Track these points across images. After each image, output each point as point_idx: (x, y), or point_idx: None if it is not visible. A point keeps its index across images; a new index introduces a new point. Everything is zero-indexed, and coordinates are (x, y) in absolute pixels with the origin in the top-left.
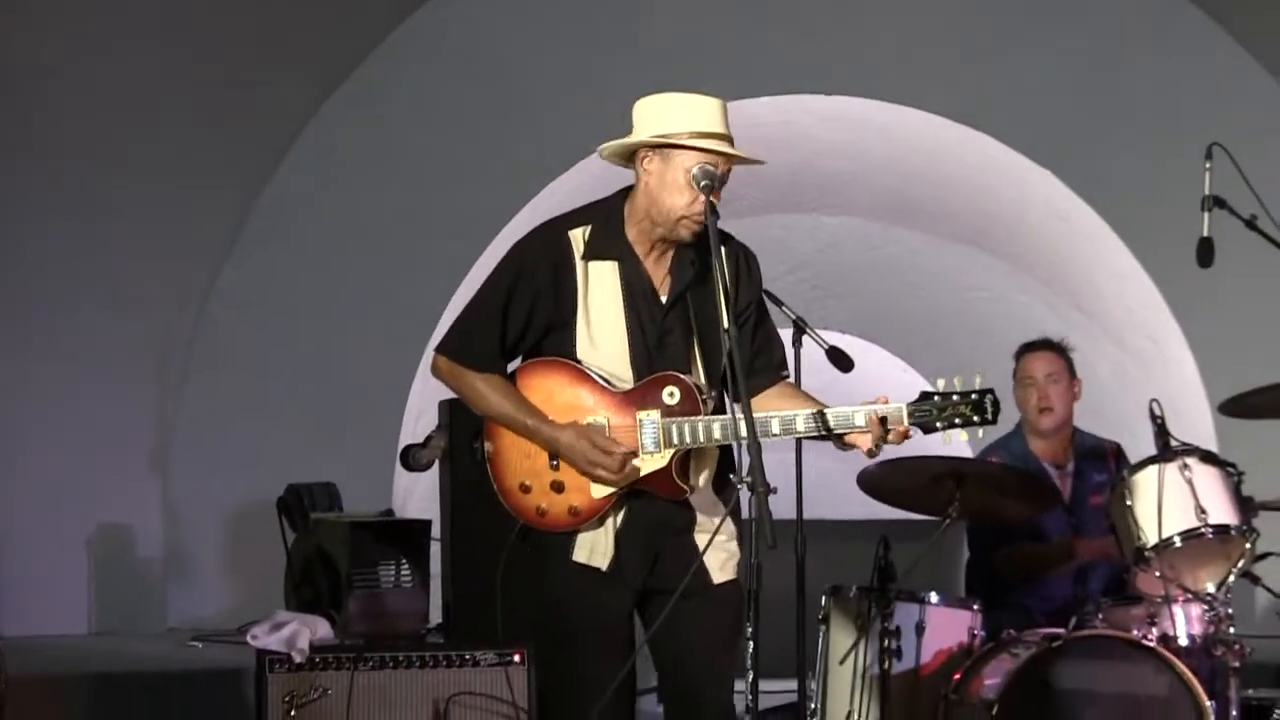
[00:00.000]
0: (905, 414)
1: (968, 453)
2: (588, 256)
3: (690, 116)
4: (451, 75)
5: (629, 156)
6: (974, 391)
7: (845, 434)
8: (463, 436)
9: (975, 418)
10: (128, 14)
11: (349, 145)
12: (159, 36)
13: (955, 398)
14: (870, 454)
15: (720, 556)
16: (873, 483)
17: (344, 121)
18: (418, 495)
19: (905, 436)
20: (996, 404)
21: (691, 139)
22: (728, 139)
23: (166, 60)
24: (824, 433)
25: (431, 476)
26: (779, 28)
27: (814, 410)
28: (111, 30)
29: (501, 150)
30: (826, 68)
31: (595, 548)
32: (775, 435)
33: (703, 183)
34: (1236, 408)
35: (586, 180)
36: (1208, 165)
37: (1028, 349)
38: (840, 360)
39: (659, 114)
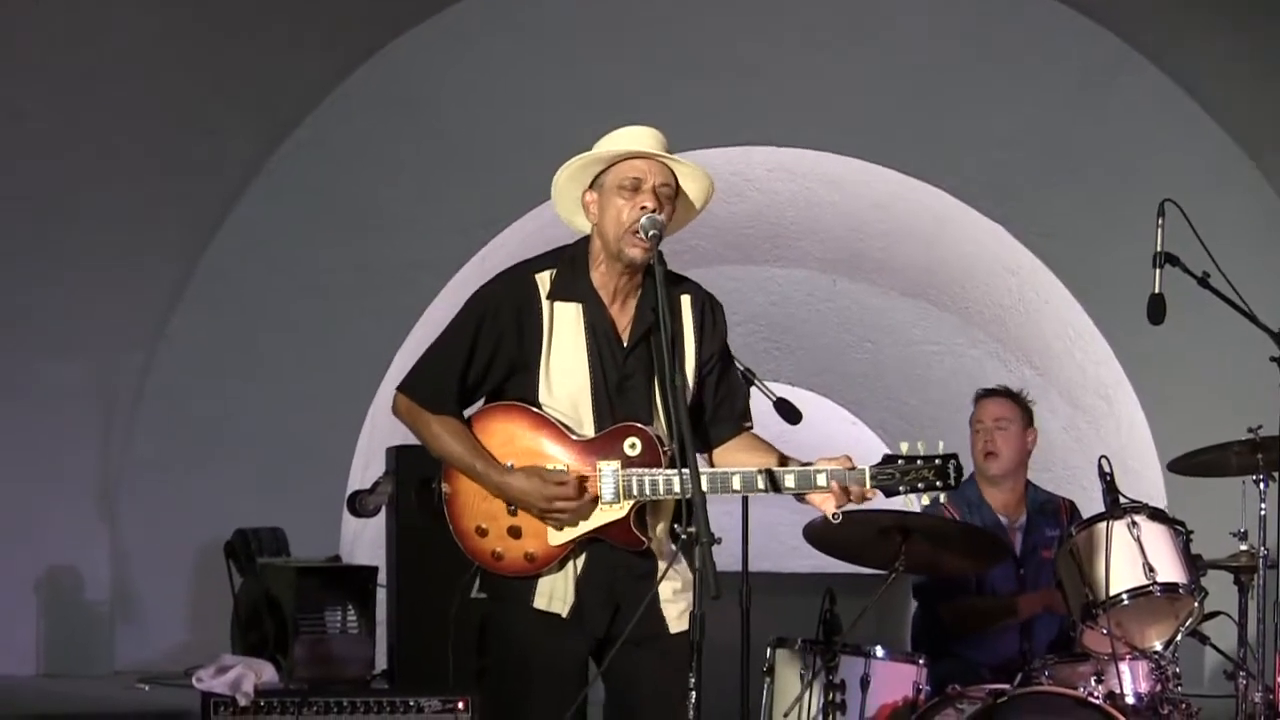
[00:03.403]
0: (868, 477)
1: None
2: (553, 297)
3: (616, 143)
4: (400, 125)
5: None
6: (938, 456)
7: (805, 494)
8: (410, 483)
9: (938, 482)
10: (74, 57)
11: (298, 193)
12: (109, 81)
13: (919, 462)
14: (834, 517)
15: (679, 606)
16: (819, 535)
17: (293, 170)
18: (365, 541)
19: (866, 497)
20: (959, 469)
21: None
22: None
23: (117, 105)
24: (784, 491)
25: (379, 523)
26: (730, 80)
27: (776, 468)
28: (59, 75)
29: (450, 200)
30: (777, 120)
31: (555, 594)
32: (735, 490)
33: (650, 233)
34: (1186, 466)
35: (535, 230)
36: (1160, 222)
37: (984, 395)
38: (788, 413)
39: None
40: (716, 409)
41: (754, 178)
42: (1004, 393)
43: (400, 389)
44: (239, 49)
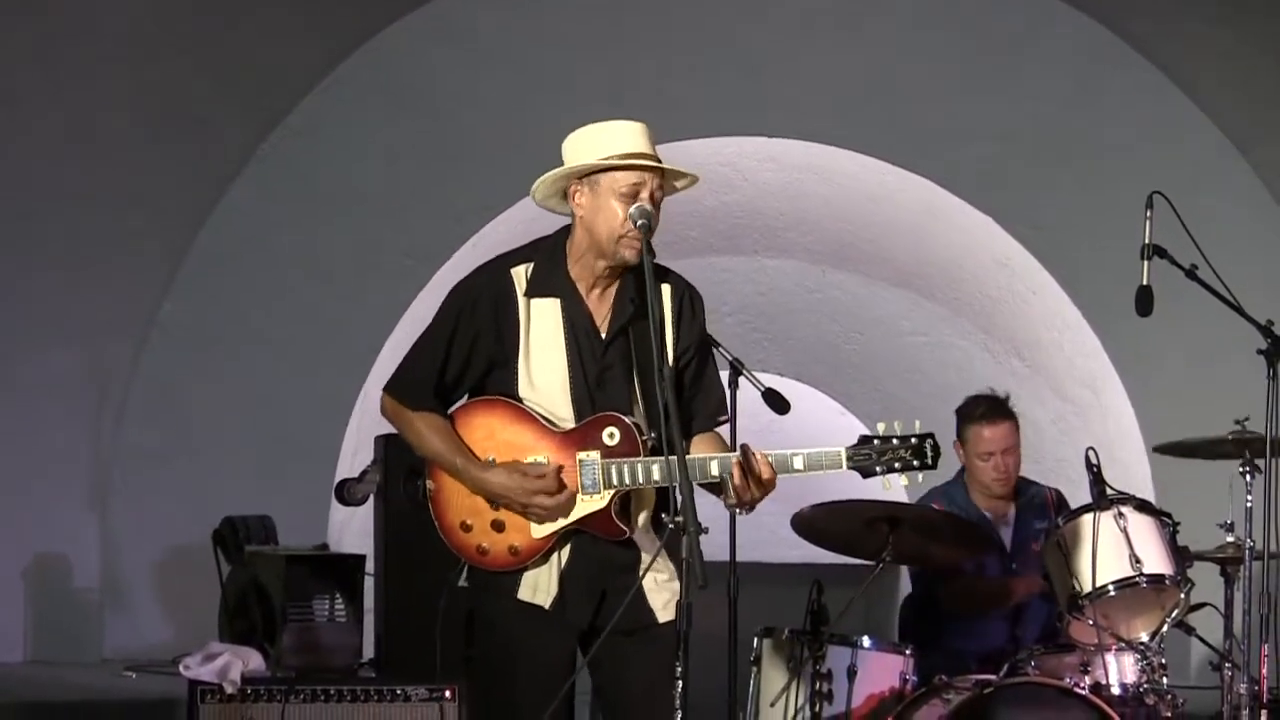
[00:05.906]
0: (845, 458)
1: (905, 498)
2: (530, 293)
3: (612, 141)
4: (392, 113)
5: (564, 197)
6: (914, 435)
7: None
8: (398, 472)
9: (915, 462)
10: (66, 47)
11: (289, 181)
12: (101, 70)
13: (895, 441)
14: (738, 508)
15: (664, 596)
16: (807, 525)
17: (285, 157)
18: (353, 530)
19: (765, 484)
20: (937, 448)
21: (616, 160)
22: (653, 158)
23: (111, 93)
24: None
25: (367, 511)
26: (719, 70)
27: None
28: (51, 64)
29: (440, 188)
30: (767, 110)
31: (539, 586)
32: (714, 477)
33: (639, 222)
34: (1172, 448)
35: (526, 218)
36: (1148, 214)
37: (984, 420)
38: (777, 403)
39: (583, 145)
40: (690, 402)
41: (744, 168)
42: (1004, 413)
43: (384, 389)
44: (231, 36)
